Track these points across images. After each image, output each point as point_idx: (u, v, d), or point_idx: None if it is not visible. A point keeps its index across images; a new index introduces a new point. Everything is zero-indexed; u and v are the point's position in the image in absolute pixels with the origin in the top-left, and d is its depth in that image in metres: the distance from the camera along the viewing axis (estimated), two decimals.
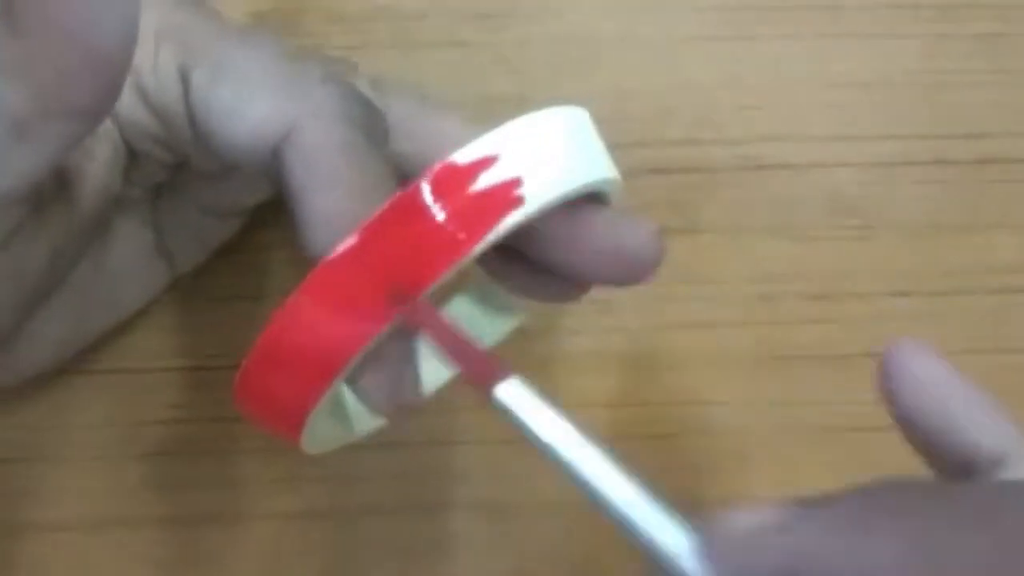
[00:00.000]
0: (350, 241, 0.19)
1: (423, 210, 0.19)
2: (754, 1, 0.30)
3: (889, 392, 0.21)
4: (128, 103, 0.22)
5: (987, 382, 0.29)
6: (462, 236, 0.19)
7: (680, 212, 0.29)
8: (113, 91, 0.18)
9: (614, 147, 0.29)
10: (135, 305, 0.26)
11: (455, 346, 0.20)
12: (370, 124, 0.21)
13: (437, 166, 0.19)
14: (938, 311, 0.29)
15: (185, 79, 0.21)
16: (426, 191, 0.19)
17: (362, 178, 0.20)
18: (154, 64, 0.21)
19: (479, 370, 0.19)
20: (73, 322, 0.25)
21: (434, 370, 0.25)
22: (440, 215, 0.19)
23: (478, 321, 0.27)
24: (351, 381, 0.21)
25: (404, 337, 0.21)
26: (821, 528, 0.15)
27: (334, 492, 0.29)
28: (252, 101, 0.20)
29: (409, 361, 0.21)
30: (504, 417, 0.19)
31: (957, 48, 0.30)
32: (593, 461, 0.18)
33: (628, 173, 0.29)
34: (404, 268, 0.19)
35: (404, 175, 0.23)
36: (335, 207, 0.20)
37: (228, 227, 0.27)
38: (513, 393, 0.19)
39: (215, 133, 0.21)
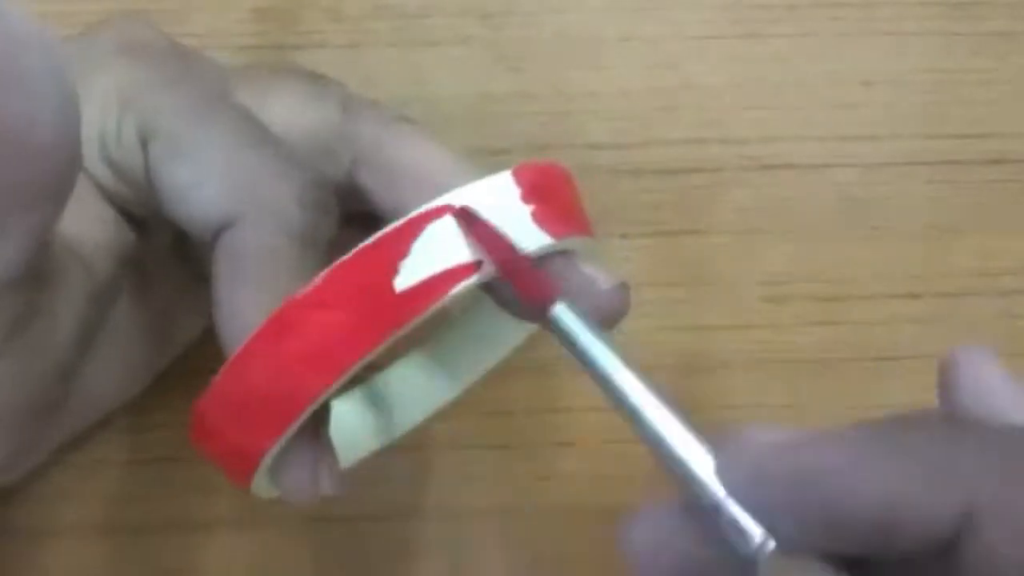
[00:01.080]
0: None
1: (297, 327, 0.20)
2: None
3: (949, 400, 0.21)
4: (100, 172, 0.22)
5: None
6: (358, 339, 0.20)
7: (686, 213, 0.29)
8: (66, 174, 0.18)
9: (618, 147, 0.29)
10: (195, 331, 0.26)
11: (511, 263, 0.20)
12: (312, 224, 0.21)
13: (327, 272, 0.20)
14: (946, 313, 0.29)
15: (145, 148, 0.21)
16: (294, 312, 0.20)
17: (274, 284, 0.20)
18: (117, 132, 0.21)
19: (535, 290, 0.20)
20: (124, 369, 0.25)
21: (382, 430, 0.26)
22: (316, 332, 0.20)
23: (474, 346, 0.27)
24: (272, 474, 0.22)
25: (316, 429, 0.21)
26: (834, 448, 0.17)
27: (339, 498, 0.28)
28: (200, 187, 0.21)
29: (325, 452, 0.22)
30: (555, 336, 0.19)
31: (966, 47, 0.30)
32: (631, 384, 0.19)
33: (633, 174, 0.29)
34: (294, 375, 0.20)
35: (371, 208, 0.23)
36: (241, 305, 0.20)
37: None
38: (564, 315, 0.19)
39: (166, 206, 0.21)
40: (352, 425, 0.27)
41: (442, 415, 0.28)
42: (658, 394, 0.19)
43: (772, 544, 0.17)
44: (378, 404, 0.27)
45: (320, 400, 0.20)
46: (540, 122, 0.29)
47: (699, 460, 0.18)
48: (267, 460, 0.21)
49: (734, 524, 0.17)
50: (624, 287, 0.21)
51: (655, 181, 0.29)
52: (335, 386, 0.20)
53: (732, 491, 0.17)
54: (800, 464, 0.17)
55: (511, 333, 0.27)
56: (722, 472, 0.18)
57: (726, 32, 0.29)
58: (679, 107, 0.29)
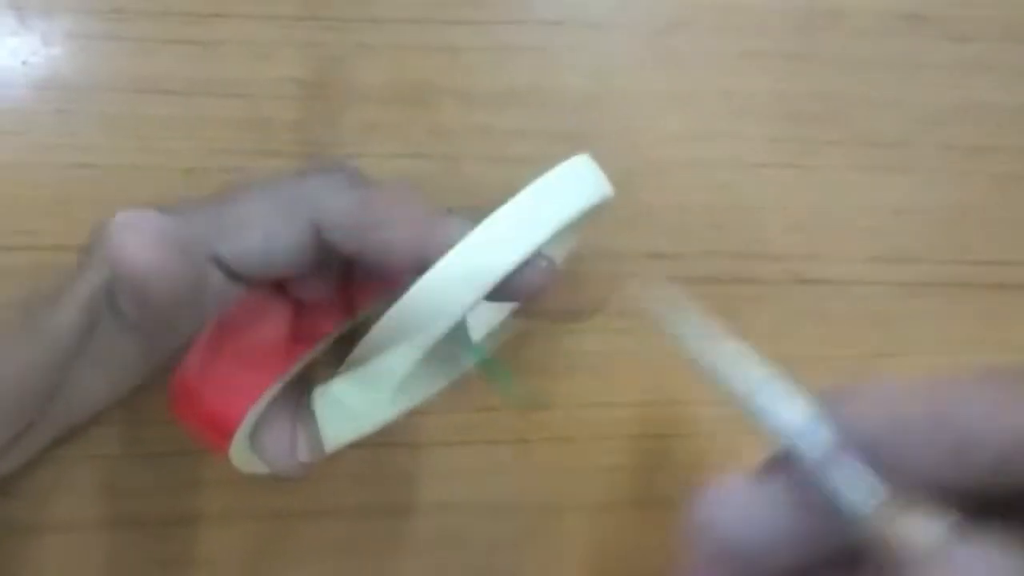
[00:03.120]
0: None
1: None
2: (801, 134, 0.31)
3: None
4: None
5: None
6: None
7: (730, 320, 0.30)
8: (162, 294, 0.20)
9: (676, 257, 0.30)
10: (192, 327, 0.26)
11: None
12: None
13: None
14: None
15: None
16: None
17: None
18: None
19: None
20: (120, 362, 0.25)
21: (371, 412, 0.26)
22: None
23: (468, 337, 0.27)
24: (252, 438, 0.22)
25: (300, 396, 0.21)
26: (964, 389, 0.17)
27: (334, 492, 0.29)
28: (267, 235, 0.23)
29: (305, 418, 0.22)
30: (650, 316, 0.19)
31: (980, 184, 0.32)
32: (725, 353, 0.18)
33: (688, 281, 0.30)
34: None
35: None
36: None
37: None
38: (660, 297, 0.19)
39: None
40: (347, 405, 0.26)
41: (437, 411, 0.28)
42: (749, 355, 0.18)
43: (886, 492, 0.16)
44: (374, 386, 0.26)
45: (298, 364, 0.20)
46: (609, 231, 0.30)
47: (805, 415, 0.17)
48: (247, 427, 0.21)
49: (849, 475, 0.16)
50: (549, 261, 0.22)
51: (707, 289, 0.30)
52: (315, 351, 0.20)
53: (867, 435, 0.17)
54: (936, 403, 0.17)
55: (505, 326, 0.28)
56: (855, 418, 0.17)
57: (776, 161, 0.31)
58: (729, 224, 0.30)
